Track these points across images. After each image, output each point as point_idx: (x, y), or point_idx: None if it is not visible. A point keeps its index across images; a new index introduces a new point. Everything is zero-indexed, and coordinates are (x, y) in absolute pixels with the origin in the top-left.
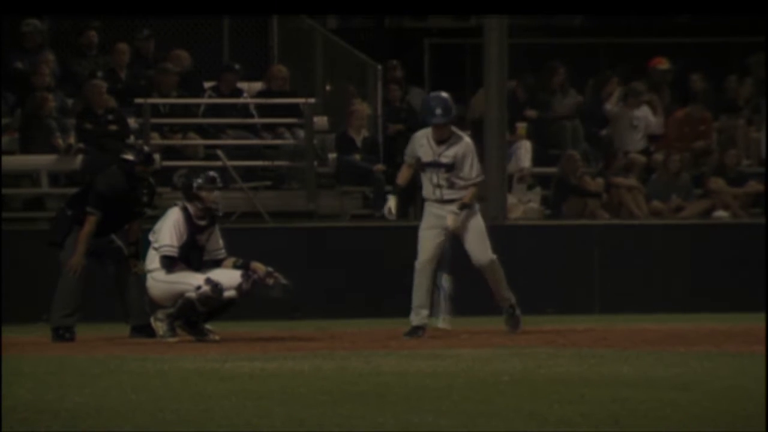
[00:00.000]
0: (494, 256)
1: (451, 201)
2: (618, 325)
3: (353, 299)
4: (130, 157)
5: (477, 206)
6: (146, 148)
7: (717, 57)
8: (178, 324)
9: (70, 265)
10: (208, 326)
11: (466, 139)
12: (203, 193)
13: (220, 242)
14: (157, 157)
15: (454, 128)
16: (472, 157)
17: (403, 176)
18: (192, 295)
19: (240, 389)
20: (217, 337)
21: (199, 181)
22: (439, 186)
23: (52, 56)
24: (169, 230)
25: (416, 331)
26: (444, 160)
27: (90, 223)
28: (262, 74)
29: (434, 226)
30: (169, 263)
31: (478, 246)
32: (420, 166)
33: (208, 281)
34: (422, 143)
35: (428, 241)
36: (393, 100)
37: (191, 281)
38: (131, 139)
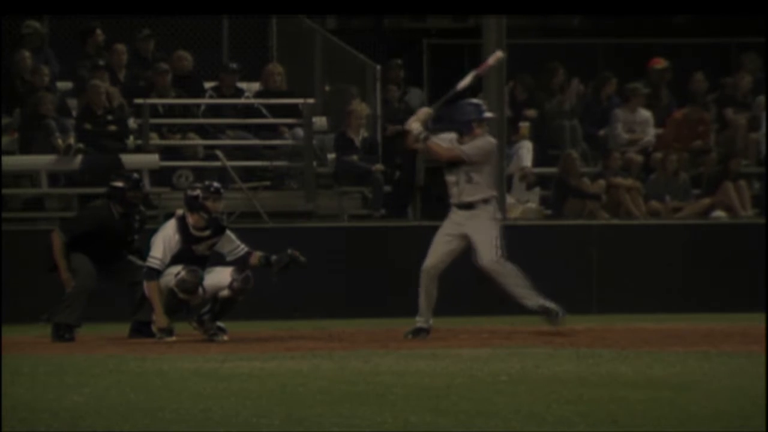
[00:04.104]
0: (494, 262)
1: (470, 205)
2: (616, 324)
3: (352, 299)
4: (119, 183)
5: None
6: (135, 175)
7: (716, 57)
8: (192, 325)
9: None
10: (220, 325)
11: (491, 138)
12: (208, 203)
13: (236, 242)
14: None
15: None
16: (483, 147)
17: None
18: (172, 283)
19: (239, 389)
20: (225, 338)
21: (204, 193)
22: (457, 184)
23: (52, 56)
24: (159, 243)
25: (419, 332)
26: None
27: (55, 238)
28: (260, 74)
29: (450, 233)
30: (151, 275)
31: (481, 247)
32: (446, 167)
33: (186, 267)
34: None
35: (440, 246)
36: (392, 100)
37: (173, 271)
38: (130, 140)
